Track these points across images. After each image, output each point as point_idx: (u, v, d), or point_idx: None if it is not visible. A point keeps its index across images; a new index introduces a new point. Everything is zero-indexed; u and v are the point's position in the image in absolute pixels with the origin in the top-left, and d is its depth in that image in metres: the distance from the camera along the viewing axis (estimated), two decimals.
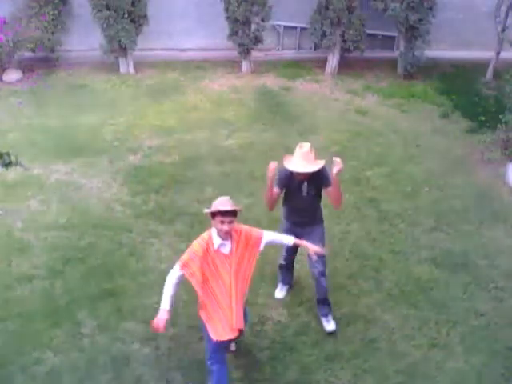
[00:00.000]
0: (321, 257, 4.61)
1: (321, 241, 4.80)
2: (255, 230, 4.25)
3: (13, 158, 4.15)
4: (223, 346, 4.26)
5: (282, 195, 4.81)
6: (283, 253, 5.19)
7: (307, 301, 5.31)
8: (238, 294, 4.10)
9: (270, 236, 4.28)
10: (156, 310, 5.10)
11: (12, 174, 6.85)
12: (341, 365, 4.67)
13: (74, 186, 6.93)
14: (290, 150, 7.83)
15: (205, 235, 4.12)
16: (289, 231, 4.75)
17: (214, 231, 4.08)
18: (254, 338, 4.89)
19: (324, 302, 5.01)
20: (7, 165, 4.16)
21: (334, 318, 5.10)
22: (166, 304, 4.09)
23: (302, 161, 4.47)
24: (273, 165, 4.48)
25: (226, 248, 4.11)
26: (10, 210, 6.44)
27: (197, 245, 4.08)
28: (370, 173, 7.35)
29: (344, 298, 5.34)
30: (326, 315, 5.01)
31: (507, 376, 4.61)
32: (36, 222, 6.27)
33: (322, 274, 4.88)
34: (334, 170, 4.50)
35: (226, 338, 4.09)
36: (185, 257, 4.08)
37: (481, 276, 5.67)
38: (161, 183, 6.99)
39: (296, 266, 5.71)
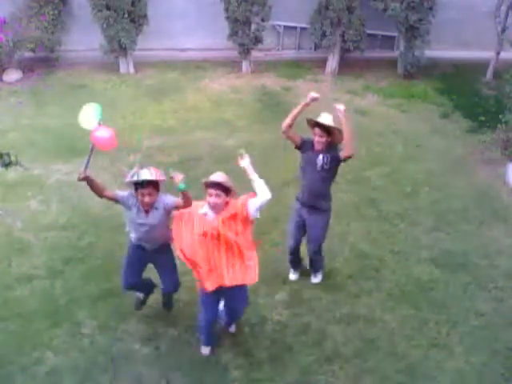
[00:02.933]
0: (314, 242, 5.19)
1: (321, 229, 5.15)
2: (241, 203, 4.25)
3: (13, 158, 4.15)
4: None
5: (299, 169, 5.11)
6: (293, 238, 5.34)
7: (307, 301, 5.31)
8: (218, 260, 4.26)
9: (254, 203, 4.27)
10: (156, 310, 5.13)
11: (12, 173, 6.85)
12: (341, 365, 4.67)
13: (74, 186, 6.91)
14: (289, 150, 7.83)
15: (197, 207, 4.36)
16: (296, 212, 5.19)
17: (206, 206, 4.29)
18: (253, 338, 4.89)
19: (314, 268, 5.50)
20: (7, 165, 4.16)
21: (334, 317, 5.11)
22: None
23: (327, 116, 4.87)
24: (313, 96, 4.87)
25: (210, 216, 4.26)
26: (10, 210, 6.44)
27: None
28: (370, 173, 7.35)
29: (344, 297, 5.34)
30: (314, 272, 5.53)
31: (507, 376, 4.61)
32: (36, 222, 6.27)
33: (315, 252, 5.30)
34: (340, 113, 4.78)
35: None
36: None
37: (481, 276, 5.67)
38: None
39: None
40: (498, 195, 7.06)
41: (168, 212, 4.40)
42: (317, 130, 4.84)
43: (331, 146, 4.91)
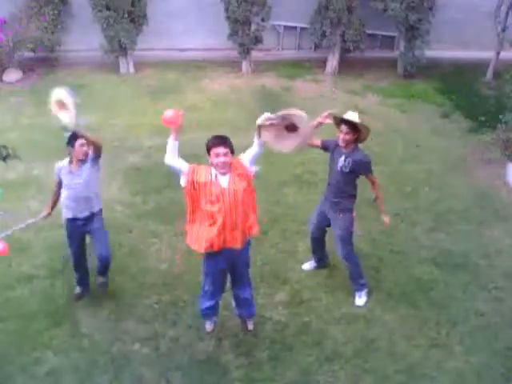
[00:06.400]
0: (338, 238, 5.10)
1: (343, 225, 5.06)
2: (239, 160, 4.26)
3: (10, 151, 4.19)
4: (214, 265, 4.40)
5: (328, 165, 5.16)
6: (311, 224, 5.39)
7: (307, 301, 5.31)
8: (232, 223, 4.17)
9: (246, 156, 4.29)
10: (156, 310, 5.13)
11: (12, 174, 6.86)
12: (341, 365, 4.66)
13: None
14: None
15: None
16: (320, 204, 5.25)
17: (213, 170, 4.17)
18: (254, 338, 4.88)
19: (352, 281, 5.31)
20: (5, 158, 4.19)
21: (334, 317, 5.10)
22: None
23: (353, 114, 4.85)
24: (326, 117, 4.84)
25: (224, 179, 4.14)
26: (10, 209, 6.43)
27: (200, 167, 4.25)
28: None
29: (344, 297, 5.33)
30: (355, 291, 5.34)
31: (507, 376, 4.60)
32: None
33: (343, 257, 5.20)
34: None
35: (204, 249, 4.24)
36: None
37: (481, 276, 5.66)
38: (161, 183, 6.99)
39: (297, 265, 5.72)
40: (498, 195, 7.06)
41: (94, 163, 4.89)
42: (343, 127, 4.84)
43: (356, 147, 4.93)
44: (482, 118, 8.79)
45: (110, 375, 4.53)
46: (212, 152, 4.13)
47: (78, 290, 5.29)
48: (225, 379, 4.53)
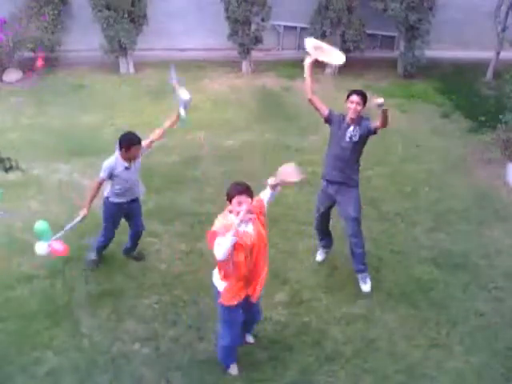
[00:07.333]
0: (352, 220, 5.14)
1: (355, 205, 5.12)
2: (257, 201, 4.20)
3: (13, 163, 4.20)
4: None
5: (327, 142, 5.18)
6: (315, 218, 5.50)
7: (307, 301, 5.31)
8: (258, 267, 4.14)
9: (265, 197, 4.30)
10: (156, 310, 5.13)
11: (12, 174, 6.81)
12: (341, 365, 4.66)
13: (74, 186, 6.92)
14: (289, 150, 7.91)
15: (226, 221, 4.00)
16: (323, 193, 5.27)
17: (232, 216, 3.99)
18: (254, 338, 4.88)
19: (357, 260, 5.34)
20: (8, 169, 4.21)
21: (334, 317, 5.10)
22: None
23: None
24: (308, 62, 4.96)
25: (249, 227, 4.06)
26: (10, 210, 6.43)
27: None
28: (371, 173, 7.34)
29: (344, 297, 5.33)
30: (359, 274, 5.39)
31: (507, 376, 4.60)
32: (36, 222, 6.26)
33: (354, 235, 5.25)
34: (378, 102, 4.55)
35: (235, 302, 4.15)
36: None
37: (481, 276, 5.66)
38: (161, 183, 6.99)
39: (297, 265, 5.73)
40: (498, 195, 7.06)
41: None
42: (354, 96, 4.83)
43: (361, 118, 4.92)
44: (482, 118, 8.79)
45: (109, 375, 4.53)
46: (235, 200, 3.98)
47: (93, 256, 5.64)
48: (225, 379, 4.53)
